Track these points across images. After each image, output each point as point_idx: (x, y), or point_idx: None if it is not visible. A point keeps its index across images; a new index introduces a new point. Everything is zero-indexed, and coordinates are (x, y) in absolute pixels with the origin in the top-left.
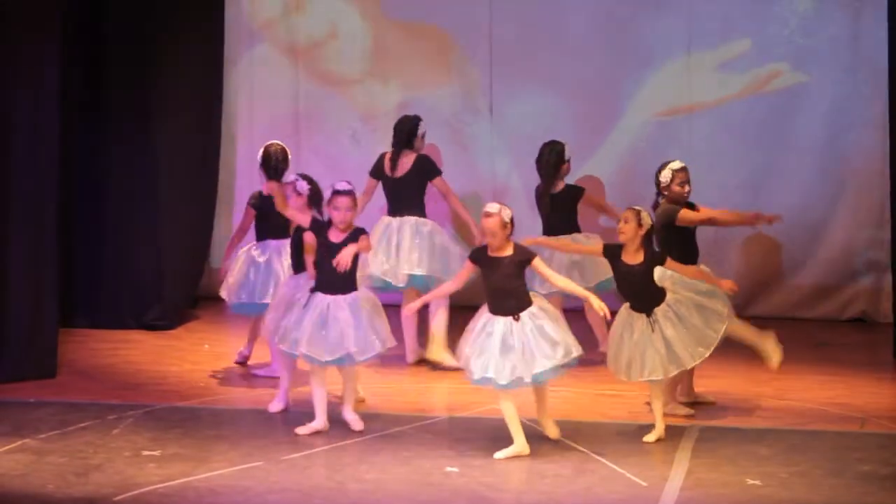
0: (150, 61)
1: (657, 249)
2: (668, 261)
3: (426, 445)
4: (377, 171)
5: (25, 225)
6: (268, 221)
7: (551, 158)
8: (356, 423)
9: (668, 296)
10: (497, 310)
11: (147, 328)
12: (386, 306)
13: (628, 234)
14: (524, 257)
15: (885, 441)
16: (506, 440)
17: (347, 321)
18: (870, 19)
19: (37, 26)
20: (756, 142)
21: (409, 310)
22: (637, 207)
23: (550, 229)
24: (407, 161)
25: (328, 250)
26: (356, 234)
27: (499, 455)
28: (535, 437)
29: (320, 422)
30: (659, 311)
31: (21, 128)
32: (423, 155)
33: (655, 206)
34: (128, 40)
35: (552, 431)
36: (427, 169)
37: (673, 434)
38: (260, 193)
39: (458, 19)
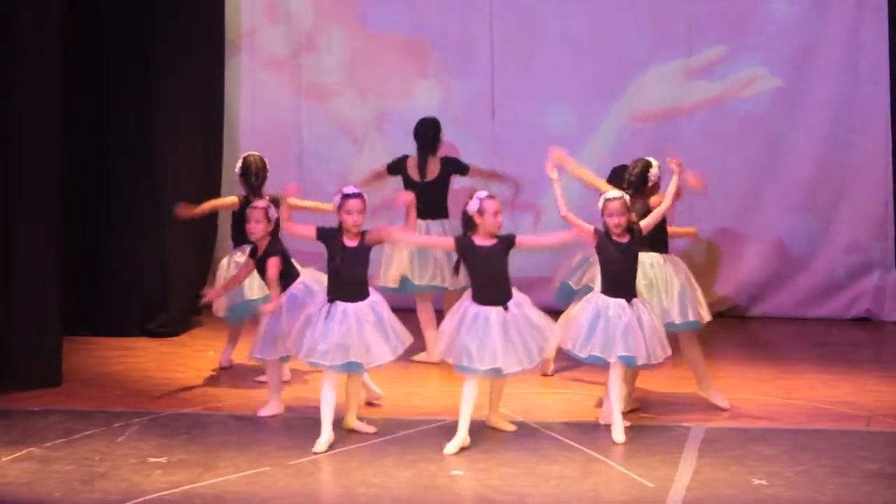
0: (151, 73)
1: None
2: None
3: (432, 449)
4: (398, 170)
5: (29, 233)
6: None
7: None
8: (366, 427)
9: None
10: (486, 300)
11: (152, 335)
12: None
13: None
14: (507, 240)
15: (891, 439)
16: (510, 443)
17: (375, 328)
18: (868, 22)
19: (38, 28)
20: (755, 143)
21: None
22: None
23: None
24: (434, 166)
25: (345, 256)
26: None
27: (448, 450)
28: (540, 439)
29: (328, 434)
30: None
31: (23, 135)
32: (446, 157)
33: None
34: (127, 51)
35: (508, 426)
36: (458, 168)
37: (678, 435)
38: (247, 199)
39: (440, 29)
